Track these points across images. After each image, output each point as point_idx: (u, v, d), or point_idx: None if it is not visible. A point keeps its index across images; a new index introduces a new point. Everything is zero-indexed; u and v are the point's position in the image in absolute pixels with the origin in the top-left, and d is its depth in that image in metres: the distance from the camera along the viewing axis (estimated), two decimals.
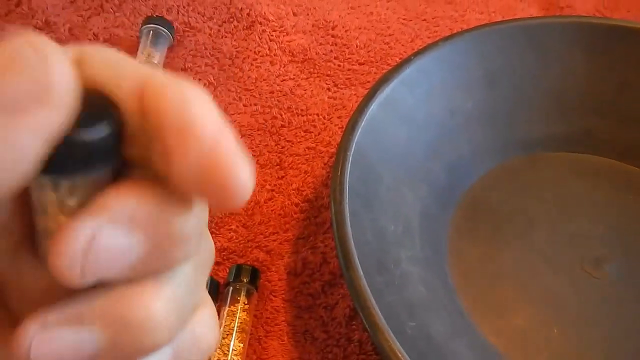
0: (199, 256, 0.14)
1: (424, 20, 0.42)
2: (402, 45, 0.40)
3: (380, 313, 0.24)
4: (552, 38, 0.36)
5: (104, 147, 0.12)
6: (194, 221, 0.12)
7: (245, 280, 0.29)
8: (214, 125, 0.11)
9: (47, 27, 0.40)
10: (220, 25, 0.41)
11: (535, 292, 0.31)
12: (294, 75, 0.39)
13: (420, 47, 0.33)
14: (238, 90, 0.38)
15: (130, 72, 0.12)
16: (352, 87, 0.38)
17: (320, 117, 0.37)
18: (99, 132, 0.11)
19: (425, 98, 0.33)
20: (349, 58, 0.40)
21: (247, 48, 0.40)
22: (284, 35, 0.41)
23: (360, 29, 0.41)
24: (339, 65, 0.39)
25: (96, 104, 0.12)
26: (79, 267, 0.11)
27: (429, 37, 0.40)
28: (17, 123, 0.10)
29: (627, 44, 0.36)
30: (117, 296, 0.12)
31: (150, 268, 0.12)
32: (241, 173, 0.11)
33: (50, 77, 0.11)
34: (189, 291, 0.13)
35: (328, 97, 0.38)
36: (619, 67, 0.36)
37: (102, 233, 0.11)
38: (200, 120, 0.11)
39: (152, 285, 0.12)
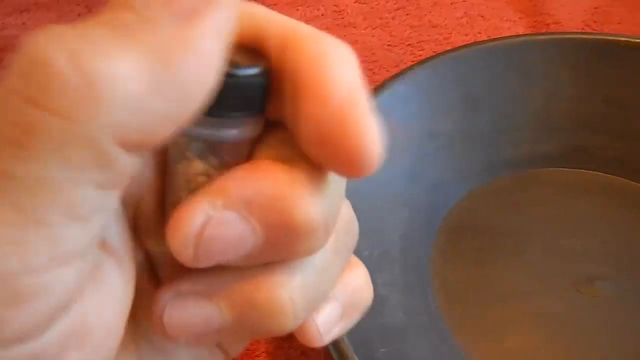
0: (337, 241, 0.13)
1: (409, 45, 0.42)
2: (387, 71, 0.40)
3: (349, 340, 0.24)
4: (534, 56, 0.36)
5: (258, 89, 0.11)
6: (324, 208, 0.11)
7: None
8: (349, 86, 0.11)
9: None
10: None
11: (527, 314, 0.30)
12: None
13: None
14: None
15: (275, 27, 0.11)
16: None
17: None
18: (254, 72, 0.11)
19: (403, 122, 0.33)
20: None
21: None
22: None
23: None
24: None
25: (246, 56, 0.11)
26: (192, 250, 0.11)
27: (412, 61, 0.41)
28: (197, 27, 0.10)
29: (612, 58, 0.35)
30: (245, 279, 0.12)
31: (273, 257, 0.12)
32: (370, 141, 0.11)
33: None
34: (323, 277, 0.13)
35: None
36: (606, 82, 0.35)
37: (215, 220, 0.11)
38: (335, 78, 0.10)
39: (280, 272, 0.12)
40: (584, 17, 0.44)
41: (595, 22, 0.44)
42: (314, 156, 0.11)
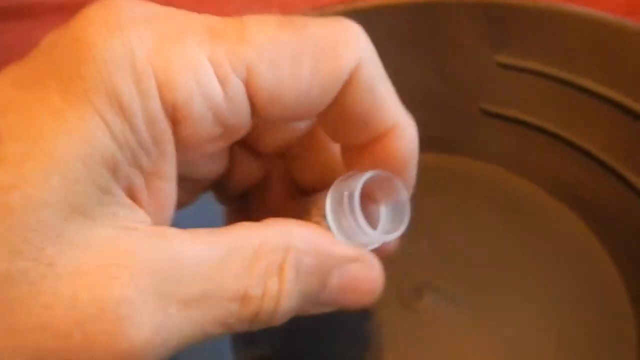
0: None
1: None
2: None
3: None
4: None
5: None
6: None
7: None
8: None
9: None
10: None
11: (340, 346, 0.24)
12: None
13: None
14: None
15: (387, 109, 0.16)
16: None
17: None
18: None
19: None
20: None
21: None
22: None
23: None
24: None
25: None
26: None
27: None
28: None
29: (441, 22, 0.30)
30: None
31: None
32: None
33: None
34: None
35: None
36: (436, 54, 0.30)
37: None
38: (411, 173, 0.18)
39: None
40: None
41: None
42: None
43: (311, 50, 0.14)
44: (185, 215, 0.17)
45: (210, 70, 0.13)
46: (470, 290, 0.25)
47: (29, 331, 0.11)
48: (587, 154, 0.27)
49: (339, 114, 0.15)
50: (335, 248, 0.15)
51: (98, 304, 0.11)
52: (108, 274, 0.12)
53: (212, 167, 0.18)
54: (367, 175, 0.15)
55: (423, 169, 0.29)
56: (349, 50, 0.14)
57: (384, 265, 0.17)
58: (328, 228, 0.16)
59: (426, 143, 0.29)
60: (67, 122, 0.12)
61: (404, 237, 0.25)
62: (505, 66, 0.28)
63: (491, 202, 0.28)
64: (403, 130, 0.16)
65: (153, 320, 0.12)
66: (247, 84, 0.13)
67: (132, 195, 0.13)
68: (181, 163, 0.14)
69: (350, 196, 0.15)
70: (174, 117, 0.13)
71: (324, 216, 0.16)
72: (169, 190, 0.14)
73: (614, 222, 0.26)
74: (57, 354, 0.11)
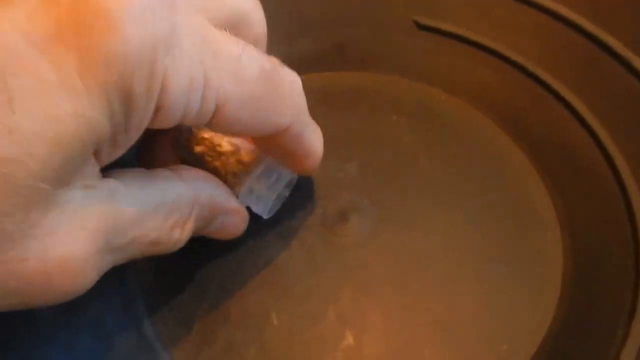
0: None
1: None
2: None
3: None
4: None
5: None
6: None
7: None
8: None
9: None
10: None
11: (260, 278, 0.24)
12: None
13: None
14: None
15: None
16: None
17: None
18: None
19: None
20: None
21: None
22: None
23: None
24: None
25: None
26: None
27: None
28: None
29: None
30: None
31: None
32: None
33: None
34: None
35: None
36: None
37: None
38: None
39: None
40: None
41: None
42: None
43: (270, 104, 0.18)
44: None
45: (201, 87, 0.15)
46: (396, 212, 0.25)
47: (2, 276, 0.14)
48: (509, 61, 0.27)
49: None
50: (227, 204, 0.20)
51: (61, 259, 0.14)
52: (74, 235, 0.14)
53: None
54: (287, 178, 0.23)
55: (353, 89, 0.28)
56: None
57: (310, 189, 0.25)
58: (238, 184, 0.21)
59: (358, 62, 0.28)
60: (78, 105, 0.13)
61: (332, 160, 0.24)
62: None
63: (419, 121, 0.27)
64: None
65: (97, 268, 0.15)
66: (217, 109, 0.16)
67: (95, 155, 0.15)
68: None
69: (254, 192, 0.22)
70: (154, 111, 0.15)
71: (241, 181, 0.21)
72: (120, 152, 0.16)
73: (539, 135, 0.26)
74: (21, 294, 0.14)
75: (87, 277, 0.15)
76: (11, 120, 0.12)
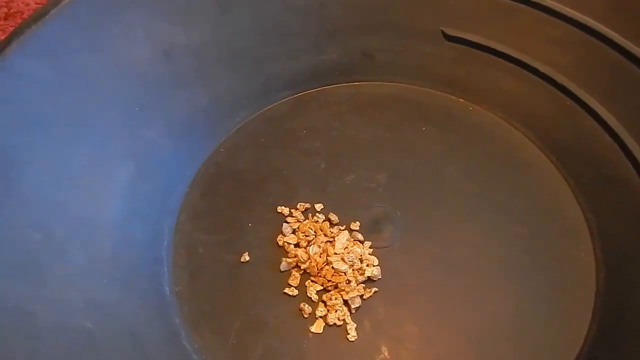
0: None
1: None
2: None
3: None
4: None
5: None
6: None
7: None
8: None
9: None
10: None
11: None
12: None
13: None
14: None
15: None
16: None
17: None
18: None
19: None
20: None
21: None
22: None
23: None
24: None
25: None
26: None
27: None
28: None
29: None
30: None
31: None
32: None
33: None
34: None
35: None
36: None
37: None
38: None
39: None
40: None
41: None
42: None
43: None
44: None
45: None
46: (427, 222, 0.25)
47: None
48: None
49: None
50: None
51: None
52: None
53: None
54: None
55: (382, 99, 0.28)
56: None
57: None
58: None
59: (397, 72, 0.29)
60: None
61: (363, 170, 0.24)
62: None
63: (448, 131, 0.28)
64: None
65: None
66: None
67: None
68: None
69: None
70: None
71: None
72: None
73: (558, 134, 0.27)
74: None
75: None
76: None
